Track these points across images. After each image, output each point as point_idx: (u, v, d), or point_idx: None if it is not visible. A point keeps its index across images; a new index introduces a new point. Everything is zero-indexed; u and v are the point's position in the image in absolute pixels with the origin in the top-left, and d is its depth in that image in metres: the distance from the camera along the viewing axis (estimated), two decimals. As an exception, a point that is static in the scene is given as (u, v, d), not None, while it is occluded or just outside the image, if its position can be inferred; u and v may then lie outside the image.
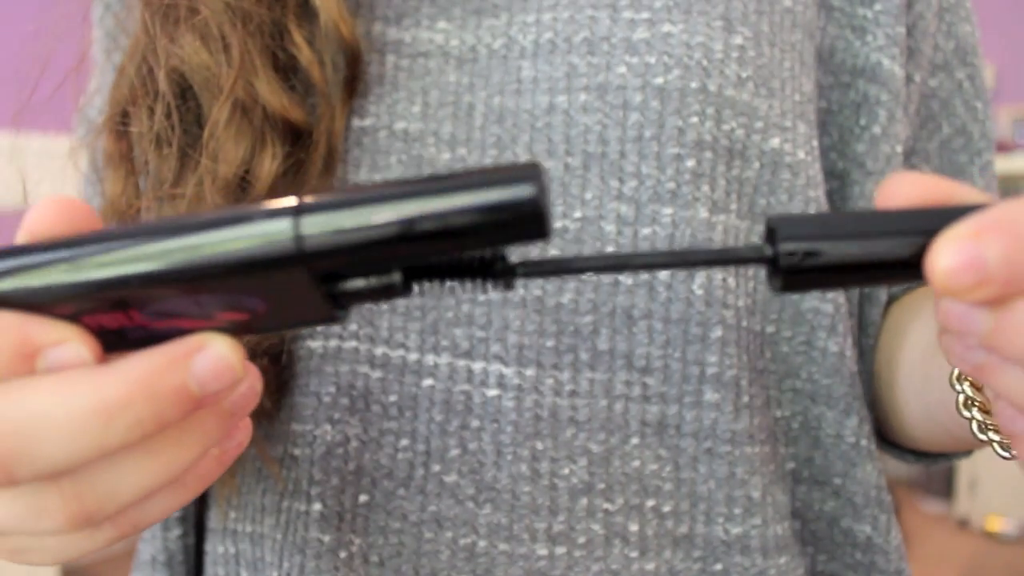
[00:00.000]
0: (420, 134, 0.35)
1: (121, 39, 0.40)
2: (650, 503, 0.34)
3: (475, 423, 0.34)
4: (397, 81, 0.36)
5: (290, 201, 0.19)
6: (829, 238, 0.20)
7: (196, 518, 0.40)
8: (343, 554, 0.34)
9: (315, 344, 0.34)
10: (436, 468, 0.34)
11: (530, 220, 0.18)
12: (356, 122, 0.36)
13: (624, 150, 0.33)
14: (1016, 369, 0.19)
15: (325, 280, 0.20)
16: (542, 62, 0.35)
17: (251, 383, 0.22)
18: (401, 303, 0.34)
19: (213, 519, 0.39)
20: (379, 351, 0.34)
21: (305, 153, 0.34)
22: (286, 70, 0.34)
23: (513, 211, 0.18)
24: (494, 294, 0.34)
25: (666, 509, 0.34)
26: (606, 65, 0.34)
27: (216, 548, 0.38)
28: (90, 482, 0.20)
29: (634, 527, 0.34)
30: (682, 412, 0.34)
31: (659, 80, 0.33)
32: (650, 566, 0.34)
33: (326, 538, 0.34)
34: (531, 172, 0.18)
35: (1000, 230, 0.18)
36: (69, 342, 0.20)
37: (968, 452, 0.40)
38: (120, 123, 0.35)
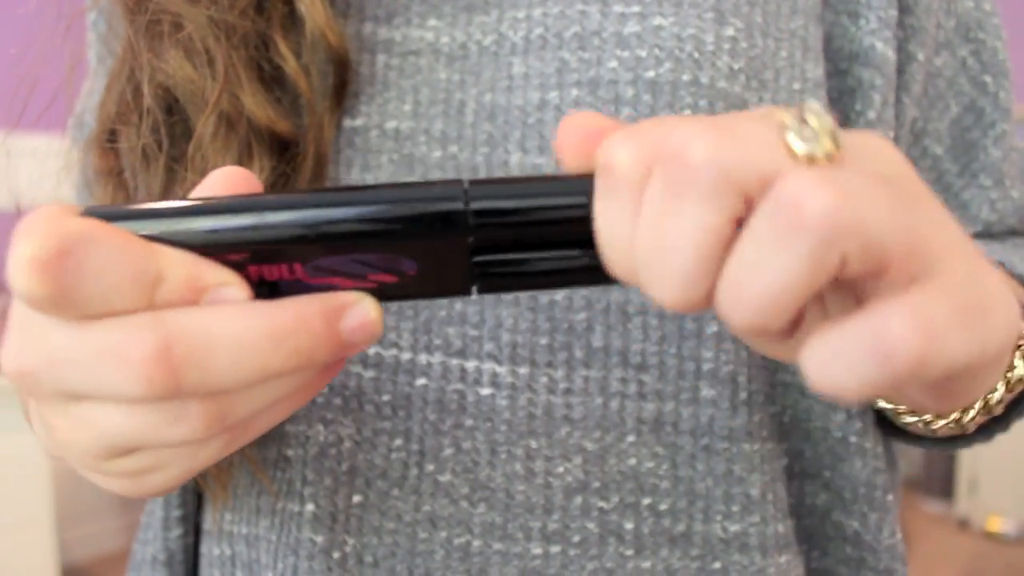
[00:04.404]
0: (411, 132, 0.35)
1: (113, 44, 0.40)
2: (646, 501, 0.34)
3: (469, 422, 0.34)
4: (388, 80, 0.36)
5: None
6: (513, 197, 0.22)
7: (195, 518, 0.40)
8: (337, 555, 0.34)
9: None
10: (430, 468, 0.34)
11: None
12: (347, 122, 0.35)
13: None
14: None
15: (474, 252, 0.23)
16: (533, 58, 0.35)
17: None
18: (393, 304, 0.34)
19: (208, 521, 0.38)
20: (372, 351, 0.34)
21: (293, 163, 0.34)
22: (273, 81, 0.34)
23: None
24: None
25: (663, 507, 0.34)
26: (597, 60, 0.34)
27: (212, 550, 0.38)
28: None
29: (629, 525, 0.34)
30: (678, 409, 0.34)
31: (650, 74, 0.33)
32: (646, 564, 0.34)
33: (319, 539, 0.34)
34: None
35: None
36: (231, 285, 0.22)
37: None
38: (108, 140, 0.35)
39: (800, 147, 0.19)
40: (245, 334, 0.21)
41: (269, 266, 0.22)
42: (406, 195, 0.22)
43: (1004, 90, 0.43)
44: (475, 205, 0.22)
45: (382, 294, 0.23)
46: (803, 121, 0.19)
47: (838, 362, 0.17)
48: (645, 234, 0.19)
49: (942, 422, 0.35)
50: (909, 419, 0.36)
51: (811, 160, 0.19)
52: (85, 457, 0.24)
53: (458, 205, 0.22)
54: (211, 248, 0.22)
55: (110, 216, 0.21)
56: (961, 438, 0.40)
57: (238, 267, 0.22)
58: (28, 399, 0.26)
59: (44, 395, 0.23)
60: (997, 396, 0.33)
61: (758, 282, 0.18)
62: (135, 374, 0.20)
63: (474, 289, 0.23)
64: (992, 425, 0.37)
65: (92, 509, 2.48)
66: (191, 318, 0.21)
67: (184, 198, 0.23)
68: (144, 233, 0.21)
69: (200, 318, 0.21)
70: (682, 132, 0.19)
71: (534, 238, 0.23)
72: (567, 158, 0.22)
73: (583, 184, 0.22)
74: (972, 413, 0.34)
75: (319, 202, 0.22)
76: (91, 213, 0.21)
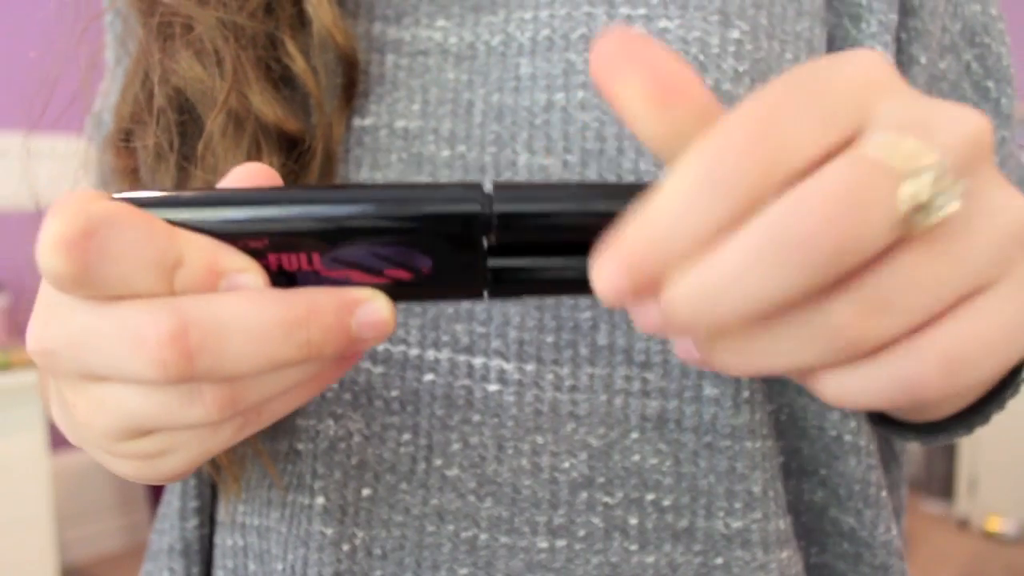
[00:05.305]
0: (420, 132, 0.36)
1: (129, 44, 0.40)
2: (650, 497, 0.34)
3: (476, 418, 0.34)
4: (397, 80, 0.36)
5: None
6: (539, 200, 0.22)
7: (210, 509, 0.40)
8: (346, 547, 0.34)
9: None
10: (438, 462, 0.34)
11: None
12: (357, 121, 0.36)
13: (622, 147, 0.34)
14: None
15: (490, 253, 0.23)
16: (540, 59, 0.35)
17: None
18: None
19: (222, 512, 0.39)
20: (381, 347, 0.35)
21: (302, 162, 0.34)
22: (283, 81, 0.35)
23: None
24: None
25: (666, 503, 0.34)
26: None
27: (225, 541, 0.39)
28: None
29: (634, 520, 0.34)
30: (682, 407, 0.34)
31: None
32: (650, 559, 0.34)
33: (329, 531, 0.34)
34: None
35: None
36: (249, 272, 0.22)
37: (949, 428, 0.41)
38: (124, 140, 0.35)
39: (920, 223, 0.18)
40: (258, 323, 0.21)
41: (288, 255, 0.23)
42: (430, 195, 0.22)
43: (1006, 96, 0.42)
44: (497, 208, 0.22)
45: (396, 293, 0.23)
46: (922, 174, 0.17)
47: (861, 390, 0.19)
48: (719, 261, 0.18)
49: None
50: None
51: (925, 231, 0.18)
52: (101, 438, 0.24)
53: (480, 207, 0.22)
54: (233, 235, 0.22)
55: (138, 201, 0.22)
56: (951, 425, 0.40)
57: (258, 255, 0.22)
58: (49, 379, 0.26)
59: (64, 374, 0.23)
60: None
61: (777, 362, 0.19)
62: (150, 357, 0.21)
63: (486, 293, 0.24)
64: (972, 417, 0.38)
65: (92, 509, 2.48)
66: (207, 304, 0.21)
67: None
68: (168, 218, 0.22)
69: (216, 305, 0.21)
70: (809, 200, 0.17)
71: (552, 245, 0.23)
72: (626, 95, 0.19)
73: (604, 192, 0.22)
74: None
75: (343, 197, 0.22)
76: (120, 198, 0.22)
